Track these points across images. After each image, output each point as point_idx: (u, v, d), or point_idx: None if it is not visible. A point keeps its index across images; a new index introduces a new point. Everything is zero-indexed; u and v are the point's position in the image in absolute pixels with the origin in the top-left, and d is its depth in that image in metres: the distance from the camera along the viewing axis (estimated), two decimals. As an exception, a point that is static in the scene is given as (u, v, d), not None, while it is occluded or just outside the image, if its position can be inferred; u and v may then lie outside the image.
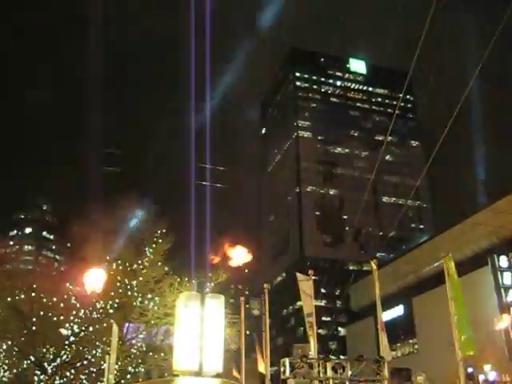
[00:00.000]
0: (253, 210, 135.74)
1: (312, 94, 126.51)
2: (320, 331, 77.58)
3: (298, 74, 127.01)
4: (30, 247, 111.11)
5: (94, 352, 23.51)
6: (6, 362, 24.34)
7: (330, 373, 16.49)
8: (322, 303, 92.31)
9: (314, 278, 20.69)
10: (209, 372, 12.49)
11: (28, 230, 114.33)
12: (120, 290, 24.52)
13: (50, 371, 23.19)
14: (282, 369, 16.99)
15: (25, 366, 24.01)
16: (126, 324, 25.07)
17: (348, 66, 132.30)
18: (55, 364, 23.39)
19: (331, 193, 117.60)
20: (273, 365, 22.20)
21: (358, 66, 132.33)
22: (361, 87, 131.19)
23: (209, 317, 12.51)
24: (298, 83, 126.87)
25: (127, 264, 25.32)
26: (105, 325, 22.83)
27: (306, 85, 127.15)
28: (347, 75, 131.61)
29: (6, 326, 23.80)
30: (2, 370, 24.41)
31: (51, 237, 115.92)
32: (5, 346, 24.08)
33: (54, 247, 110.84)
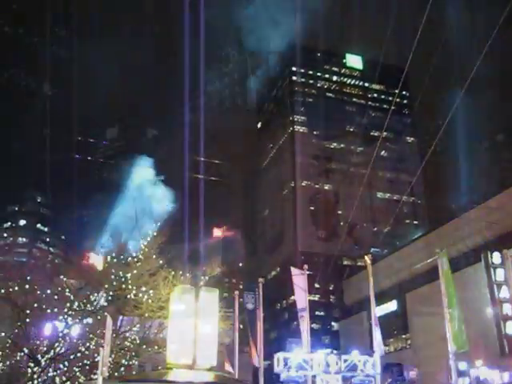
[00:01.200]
0: (248, 204, 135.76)
1: (308, 89, 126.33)
2: (313, 326, 77.77)
3: (294, 69, 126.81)
4: (23, 239, 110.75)
5: (88, 344, 23.53)
6: (0, 354, 24.33)
7: (322, 367, 16.59)
8: (316, 298, 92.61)
9: (307, 272, 20.76)
10: (202, 365, 12.57)
11: (22, 222, 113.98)
12: (114, 283, 24.54)
13: (43, 363, 23.19)
14: (275, 363, 17.08)
15: (18, 358, 23.99)
16: (120, 317, 25.11)
17: (344, 61, 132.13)
18: (49, 356, 23.38)
19: (326, 188, 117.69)
20: (266, 359, 22.31)
21: (354, 61, 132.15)
22: (357, 82, 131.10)
23: (203, 310, 12.57)
24: (294, 78, 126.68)
25: (122, 256, 25.34)
26: (99, 317, 22.85)
27: (303, 79, 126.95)
28: (344, 70, 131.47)
29: (0, 318, 23.78)
30: None
31: (45, 229, 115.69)
32: None
33: (48, 239, 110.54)
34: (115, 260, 25.35)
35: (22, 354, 23.76)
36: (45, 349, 23.69)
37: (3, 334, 23.82)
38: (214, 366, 12.63)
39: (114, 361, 23.61)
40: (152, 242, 25.99)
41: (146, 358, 25.29)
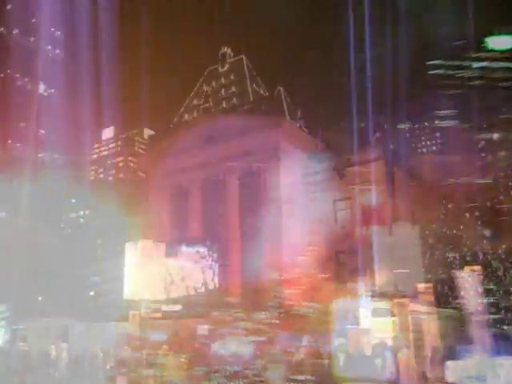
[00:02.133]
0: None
1: (450, 81, 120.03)
2: (491, 330, 72.33)
3: (433, 62, 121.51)
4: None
5: (258, 362, 23.95)
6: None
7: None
8: (492, 300, 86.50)
9: (477, 273, 19.64)
10: (375, 378, 12.09)
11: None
12: (276, 300, 24.85)
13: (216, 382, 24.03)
14: (447, 372, 16.01)
15: (193, 376, 25.00)
16: (285, 333, 25.29)
17: (487, 44, 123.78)
18: (220, 374, 24.19)
19: (484, 182, 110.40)
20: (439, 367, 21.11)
21: (498, 42, 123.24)
22: (504, 65, 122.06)
23: (372, 322, 12.10)
24: (433, 71, 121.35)
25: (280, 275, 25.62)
26: (265, 335, 23.19)
27: (443, 72, 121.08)
28: (486, 54, 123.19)
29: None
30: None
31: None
32: None
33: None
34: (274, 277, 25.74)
35: (198, 372, 24.77)
36: (218, 367, 24.50)
37: (183, 354, 25.06)
38: (390, 380, 12.09)
39: (283, 376, 23.75)
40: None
41: (315, 371, 25.11)
